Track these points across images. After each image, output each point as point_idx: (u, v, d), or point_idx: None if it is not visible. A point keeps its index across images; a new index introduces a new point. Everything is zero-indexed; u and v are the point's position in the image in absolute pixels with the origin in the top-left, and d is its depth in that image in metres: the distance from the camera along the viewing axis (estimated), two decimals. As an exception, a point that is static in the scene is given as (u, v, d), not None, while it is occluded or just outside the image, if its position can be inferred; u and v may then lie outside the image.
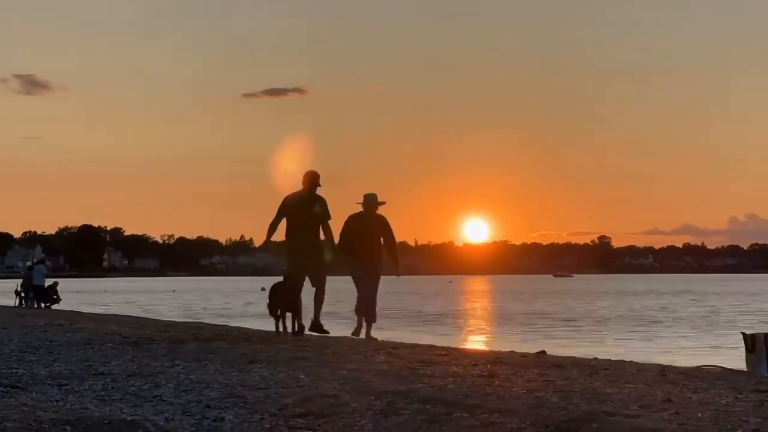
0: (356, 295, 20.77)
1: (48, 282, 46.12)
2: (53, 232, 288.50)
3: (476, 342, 31.88)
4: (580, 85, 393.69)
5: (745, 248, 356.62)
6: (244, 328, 25.75)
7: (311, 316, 19.69)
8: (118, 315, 35.11)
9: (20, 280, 50.86)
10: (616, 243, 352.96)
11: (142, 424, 8.61)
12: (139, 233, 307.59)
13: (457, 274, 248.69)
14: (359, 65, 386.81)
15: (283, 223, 19.64)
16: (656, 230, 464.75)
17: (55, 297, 45.04)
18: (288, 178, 19.80)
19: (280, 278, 20.31)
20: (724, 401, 9.79)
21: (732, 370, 14.47)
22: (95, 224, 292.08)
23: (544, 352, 18.89)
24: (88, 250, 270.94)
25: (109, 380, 11.80)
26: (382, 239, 20.59)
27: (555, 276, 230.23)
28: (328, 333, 19.44)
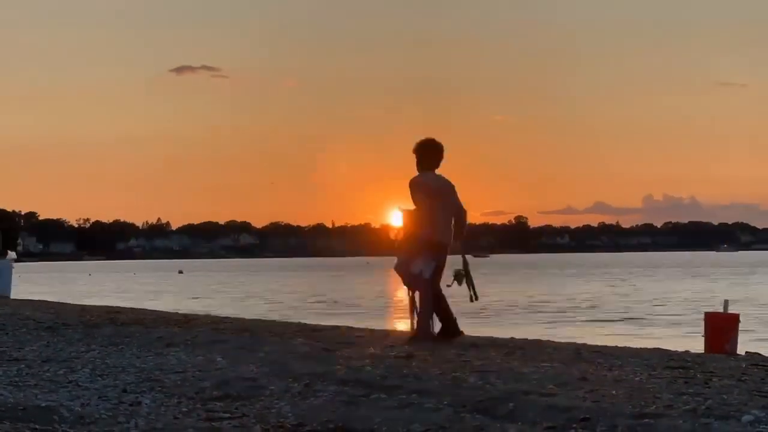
0: None
1: None
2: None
3: (395, 323, 31.95)
4: (492, 67, 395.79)
5: (659, 227, 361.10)
6: (162, 311, 25.60)
7: None
8: (32, 300, 34.68)
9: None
10: (531, 223, 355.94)
11: (57, 410, 8.52)
12: (54, 217, 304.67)
13: (375, 256, 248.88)
14: (270, 44, 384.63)
15: None
16: (570, 209, 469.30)
17: None
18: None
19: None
20: (638, 378, 9.93)
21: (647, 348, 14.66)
22: (8, 208, 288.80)
23: (461, 332, 19.00)
24: (1, 234, 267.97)
25: (23, 366, 11.65)
26: None
27: (474, 257, 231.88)
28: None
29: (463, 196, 14.50)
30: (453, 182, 14.52)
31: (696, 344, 17.59)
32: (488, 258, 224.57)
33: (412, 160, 14.68)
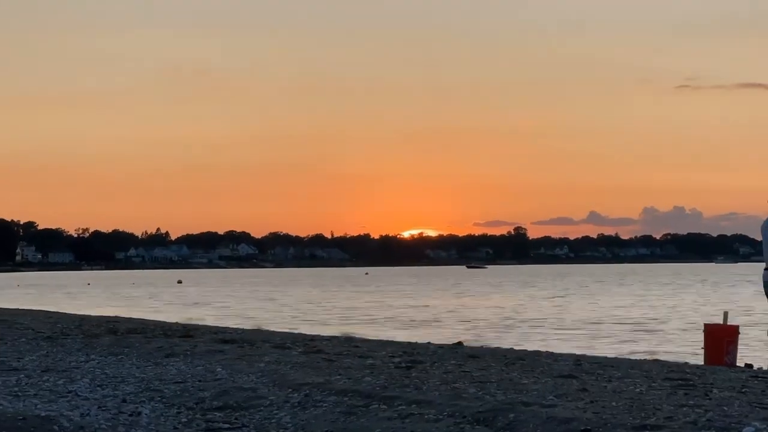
0: None
1: None
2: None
3: (393, 333, 31.95)
4: (488, 69, 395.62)
5: (658, 238, 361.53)
6: (162, 321, 25.61)
7: None
8: (31, 309, 34.68)
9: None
10: (529, 233, 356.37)
11: (57, 420, 8.50)
12: (53, 227, 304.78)
13: (373, 266, 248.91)
14: (268, 49, 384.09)
15: None
16: (565, 219, 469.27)
17: None
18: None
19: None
20: (638, 390, 9.93)
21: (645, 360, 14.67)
22: (7, 218, 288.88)
23: (460, 343, 19.03)
24: (0, 244, 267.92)
25: (23, 375, 11.64)
26: None
27: (468, 267, 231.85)
28: None
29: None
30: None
31: (696, 355, 17.60)
32: (485, 269, 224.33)
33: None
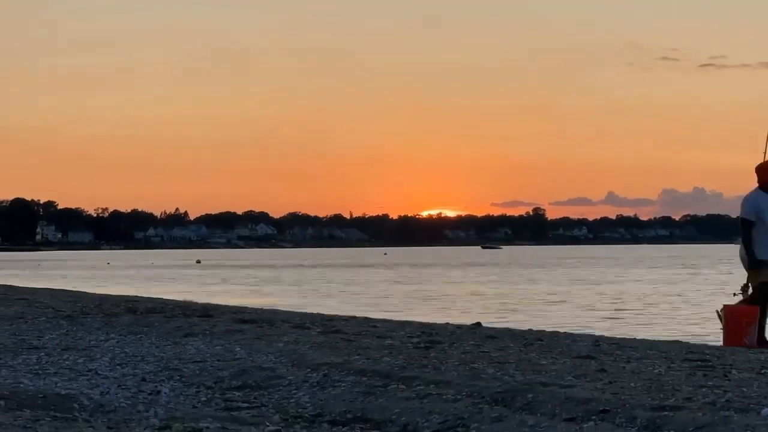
0: None
1: None
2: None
3: (412, 314, 31.97)
4: (507, 48, 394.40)
5: (678, 219, 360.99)
6: (181, 300, 25.65)
7: None
8: (51, 288, 34.77)
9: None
10: (547, 213, 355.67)
11: (77, 398, 8.55)
12: (73, 207, 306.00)
13: (392, 246, 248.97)
14: (291, 26, 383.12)
15: None
16: (584, 199, 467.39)
17: None
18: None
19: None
20: (656, 371, 9.92)
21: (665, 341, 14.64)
22: (27, 198, 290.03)
23: (479, 323, 19.01)
24: (21, 223, 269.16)
25: (43, 354, 11.69)
26: None
27: (483, 248, 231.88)
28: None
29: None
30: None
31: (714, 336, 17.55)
32: (500, 249, 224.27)
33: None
